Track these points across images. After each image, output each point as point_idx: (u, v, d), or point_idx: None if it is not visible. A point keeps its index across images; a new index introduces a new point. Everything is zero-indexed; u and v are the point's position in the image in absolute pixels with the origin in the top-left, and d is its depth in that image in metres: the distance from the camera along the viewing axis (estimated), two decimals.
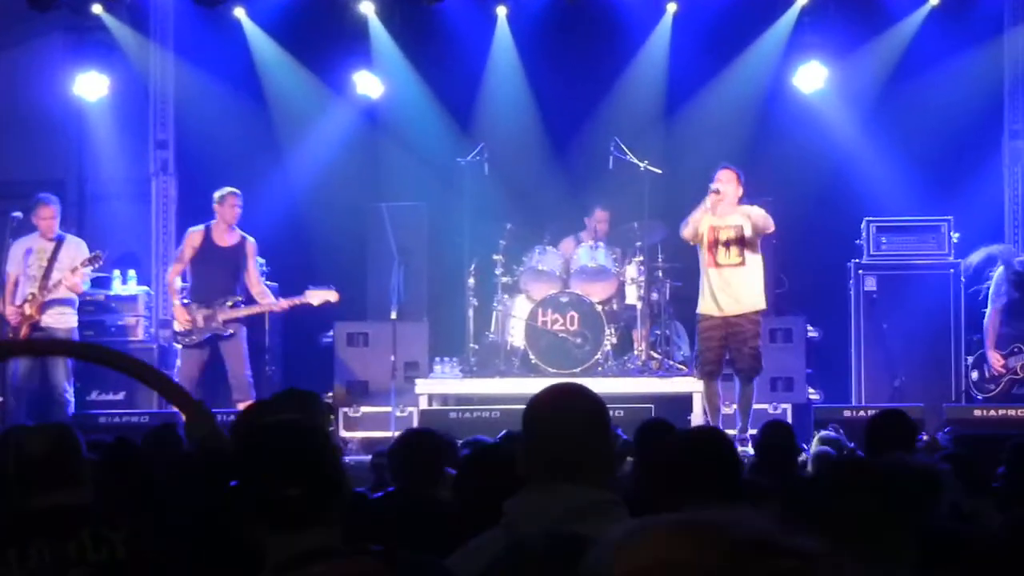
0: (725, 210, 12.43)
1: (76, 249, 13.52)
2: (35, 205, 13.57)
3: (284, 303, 13.55)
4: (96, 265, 13.61)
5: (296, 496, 3.60)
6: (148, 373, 4.94)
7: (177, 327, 13.60)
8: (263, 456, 3.73)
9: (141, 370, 4.94)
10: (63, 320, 13.38)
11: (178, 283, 13.70)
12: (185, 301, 13.62)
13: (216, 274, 13.48)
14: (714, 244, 12.40)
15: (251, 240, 13.68)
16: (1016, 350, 13.75)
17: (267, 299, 13.60)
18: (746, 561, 1.79)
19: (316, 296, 13.61)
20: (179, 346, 13.72)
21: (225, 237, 13.57)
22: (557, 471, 3.73)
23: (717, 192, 12.28)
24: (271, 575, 3.47)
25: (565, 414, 3.82)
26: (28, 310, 13.26)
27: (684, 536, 1.82)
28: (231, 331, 13.36)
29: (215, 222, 13.62)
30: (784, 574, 1.80)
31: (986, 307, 13.93)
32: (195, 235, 13.58)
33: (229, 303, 13.40)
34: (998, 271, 13.90)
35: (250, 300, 13.62)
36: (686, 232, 12.43)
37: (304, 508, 3.58)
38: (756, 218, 12.39)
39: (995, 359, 13.70)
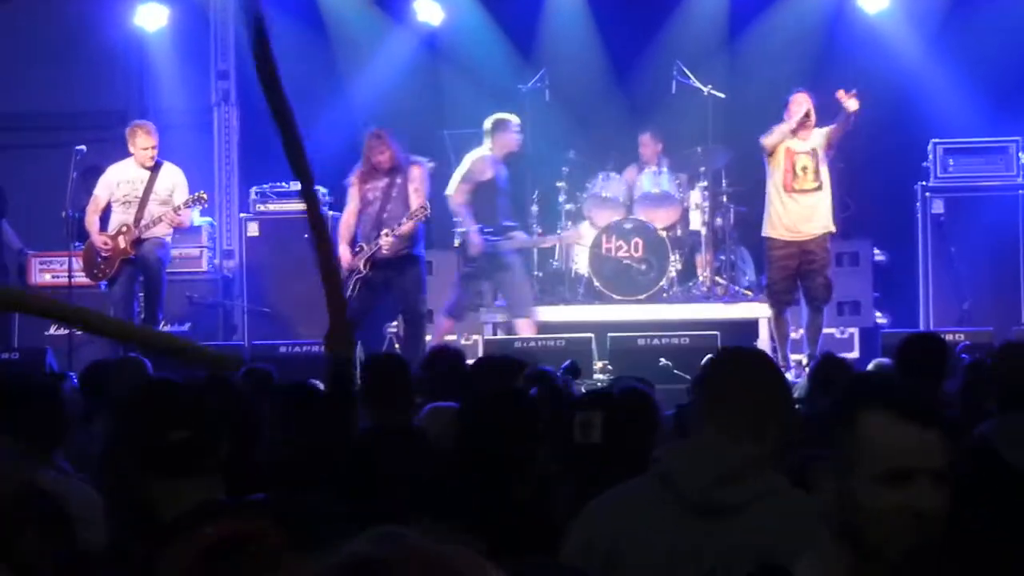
0: (802, 134, 12.36)
1: (171, 178, 13.07)
2: (131, 133, 13.09)
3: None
4: (201, 207, 13.47)
5: (179, 442, 3.67)
6: (333, 271, 4.88)
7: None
8: (145, 405, 3.84)
9: (330, 262, 4.88)
10: (155, 253, 12.90)
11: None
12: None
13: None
14: (791, 169, 12.32)
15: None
16: None
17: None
18: None
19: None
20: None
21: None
22: (733, 430, 3.66)
23: (807, 115, 12.22)
24: (167, 531, 3.52)
25: (757, 378, 3.76)
26: (122, 243, 12.86)
27: None
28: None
29: None
30: None
31: None
32: None
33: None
34: None
35: None
36: (769, 140, 12.32)
37: (187, 455, 3.69)
38: (828, 133, 12.37)
39: None
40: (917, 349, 7.48)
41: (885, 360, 9.57)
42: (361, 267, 12.63)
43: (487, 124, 13.50)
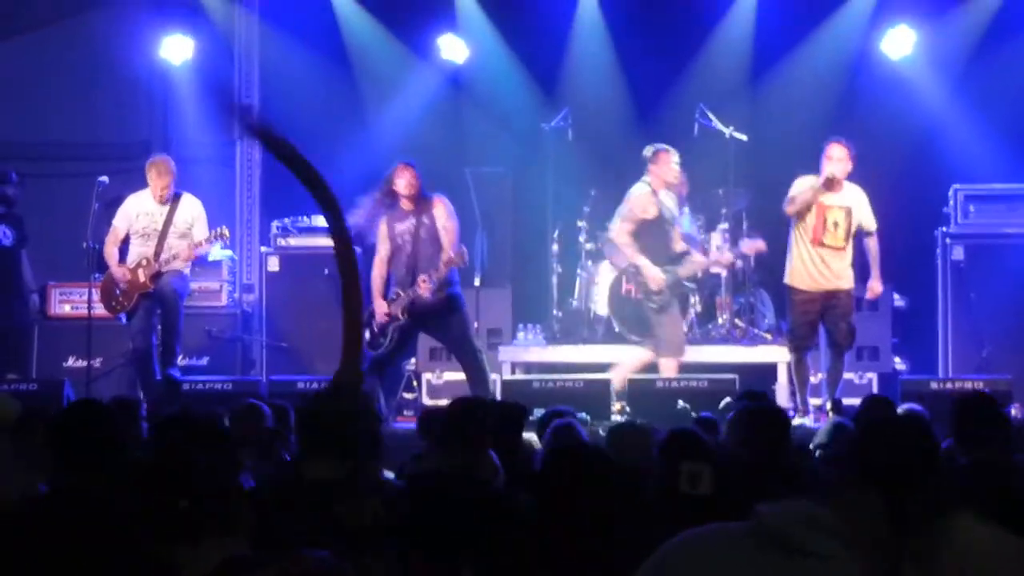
0: (835, 187, 12.34)
1: (190, 211, 13.05)
2: (149, 166, 13.10)
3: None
4: (222, 243, 13.45)
5: (186, 508, 3.71)
6: (356, 298, 4.87)
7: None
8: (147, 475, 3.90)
9: (354, 294, 4.86)
10: (172, 286, 12.87)
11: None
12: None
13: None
14: (822, 223, 12.30)
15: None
16: None
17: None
18: None
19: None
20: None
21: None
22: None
23: (834, 176, 12.17)
24: None
25: None
26: (141, 276, 12.83)
27: None
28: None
29: None
30: None
31: None
32: None
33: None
34: None
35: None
36: (791, 210, 12.32)
37: (199, 519, 3.71)
38: (870, 230, 12.52)
39: None
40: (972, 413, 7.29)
41: (916, 406, 9.45)
42: (399, 315, 12.56)
43: (647, 152, 13.21)
